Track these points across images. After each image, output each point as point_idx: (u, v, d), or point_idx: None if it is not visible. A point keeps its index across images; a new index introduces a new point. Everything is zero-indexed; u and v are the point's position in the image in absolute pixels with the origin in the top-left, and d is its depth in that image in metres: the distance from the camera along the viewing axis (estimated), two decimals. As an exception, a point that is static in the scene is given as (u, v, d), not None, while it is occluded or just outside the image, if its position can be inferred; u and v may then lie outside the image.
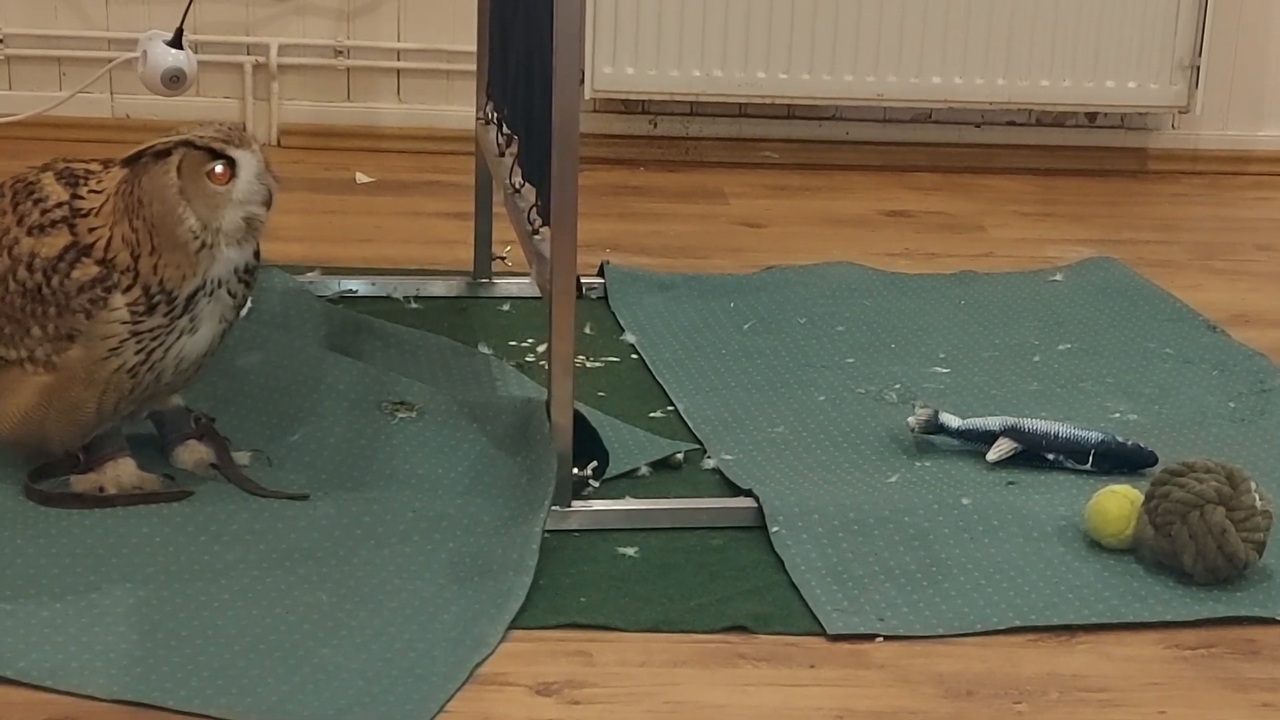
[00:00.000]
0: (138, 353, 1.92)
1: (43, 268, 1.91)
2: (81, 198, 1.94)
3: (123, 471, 2.00)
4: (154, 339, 1.92)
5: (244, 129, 1.95)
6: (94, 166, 1.98)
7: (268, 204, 1.94)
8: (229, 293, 1.96)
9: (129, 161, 1.89)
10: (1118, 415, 2.38)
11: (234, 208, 1.91)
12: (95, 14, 3.54)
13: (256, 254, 2.00)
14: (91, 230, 1.90)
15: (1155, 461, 2.18)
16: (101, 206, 1.91)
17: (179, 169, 1.88)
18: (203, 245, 1.90)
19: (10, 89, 3.55)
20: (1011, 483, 2.15)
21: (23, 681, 1.64)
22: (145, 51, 2.84)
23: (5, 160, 3.34)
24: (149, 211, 1.88)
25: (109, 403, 1.96)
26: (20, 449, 2.00)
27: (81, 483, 1.99)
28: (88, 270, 1.90)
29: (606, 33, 3.46)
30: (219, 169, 1.89)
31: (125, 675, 1.65)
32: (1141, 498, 1.97)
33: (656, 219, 3.26)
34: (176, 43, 2.84)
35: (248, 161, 1.91)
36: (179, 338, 1.94)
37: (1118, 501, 1.98)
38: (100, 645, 1.69)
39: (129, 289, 1.90)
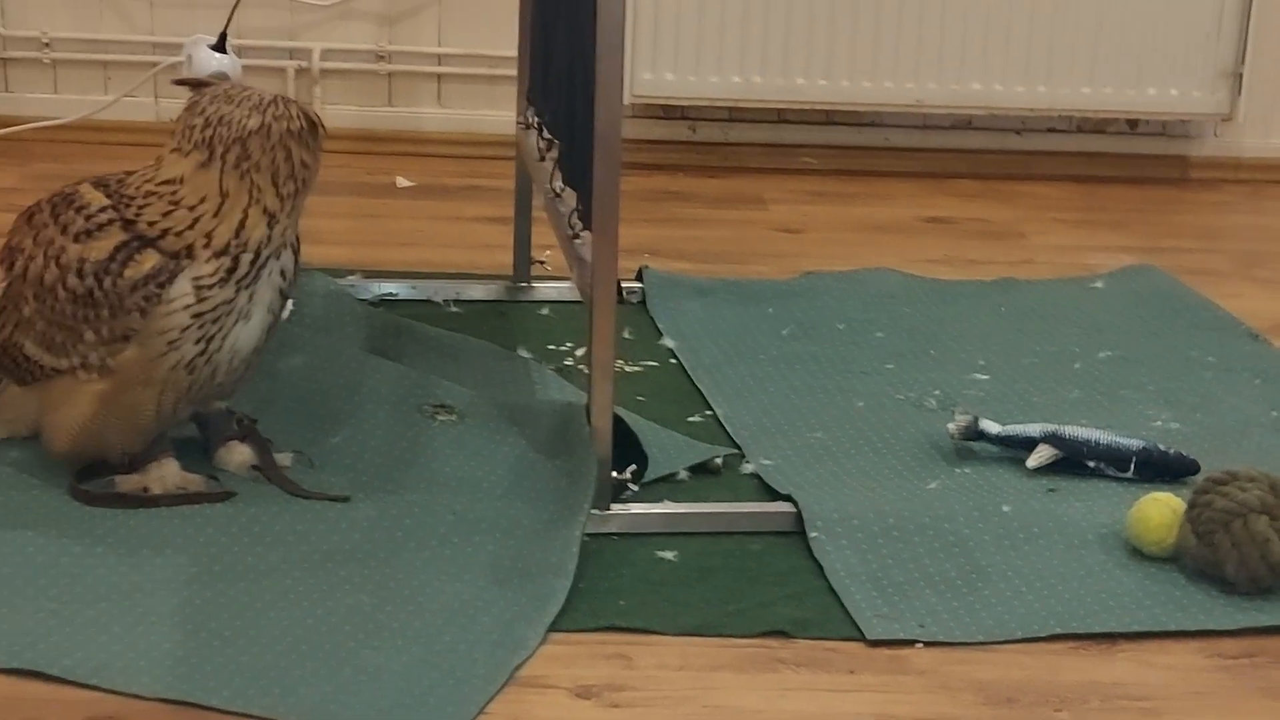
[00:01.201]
0: (197, 342, 1.94)
1: (93, 271, 1.93)
2: (127, 195, 1.96)
3: (167, 472, 2.01)
4: (214, 321, 1.94)
5: None
6: (120, 176, 2.00)
7: None
8: (282, 273, 1.99)
9: (312, 128, 1.95)
10: (1159, 423, 2.37)
11: None
12: (140, 18, 3.56)
13: (297, 255, 2.02)
14: (192, 222, 1.93)
15: (1197, 470, 2.17)
16: (211, 195, 1.93)
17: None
18: (285, 199, 1.96)
19: (56, 92, 3.59)
20: (1052, 490, 2.15)
21: (68, 680, 1.66)
22: (190, 55, 2.87)
23: (51, 163, 3.38)
24: (309, 173, 1.96)
25: (167, 402, 1.97)
26: (79, 461, 2.02)
27: (126, 483, 2.01)
28: (141, 267, 1.92)
29: (646, 38, 3.47)
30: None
31: (168, 675, 1.66)
32: (1184, 506, 1.96)
33: (696, 224, 3.27)
34: (220, 47, 2.87)
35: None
36: (235, 323, 1.96)
37: (1160, 510, 1.97)
38: (144, 645, 1.70)
39: (215, 258, 1.91)
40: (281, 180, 1.94)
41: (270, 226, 1.94)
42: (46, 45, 3.56)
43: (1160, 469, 2.18)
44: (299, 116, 1.94)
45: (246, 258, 1.94)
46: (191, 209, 1.93)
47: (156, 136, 3.48)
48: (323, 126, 1.98)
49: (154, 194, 1.95)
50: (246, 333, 1.98)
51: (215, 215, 1.92)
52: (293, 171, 1.94)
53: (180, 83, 2.04)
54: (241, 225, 1.93)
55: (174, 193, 1.94)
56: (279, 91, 2.02)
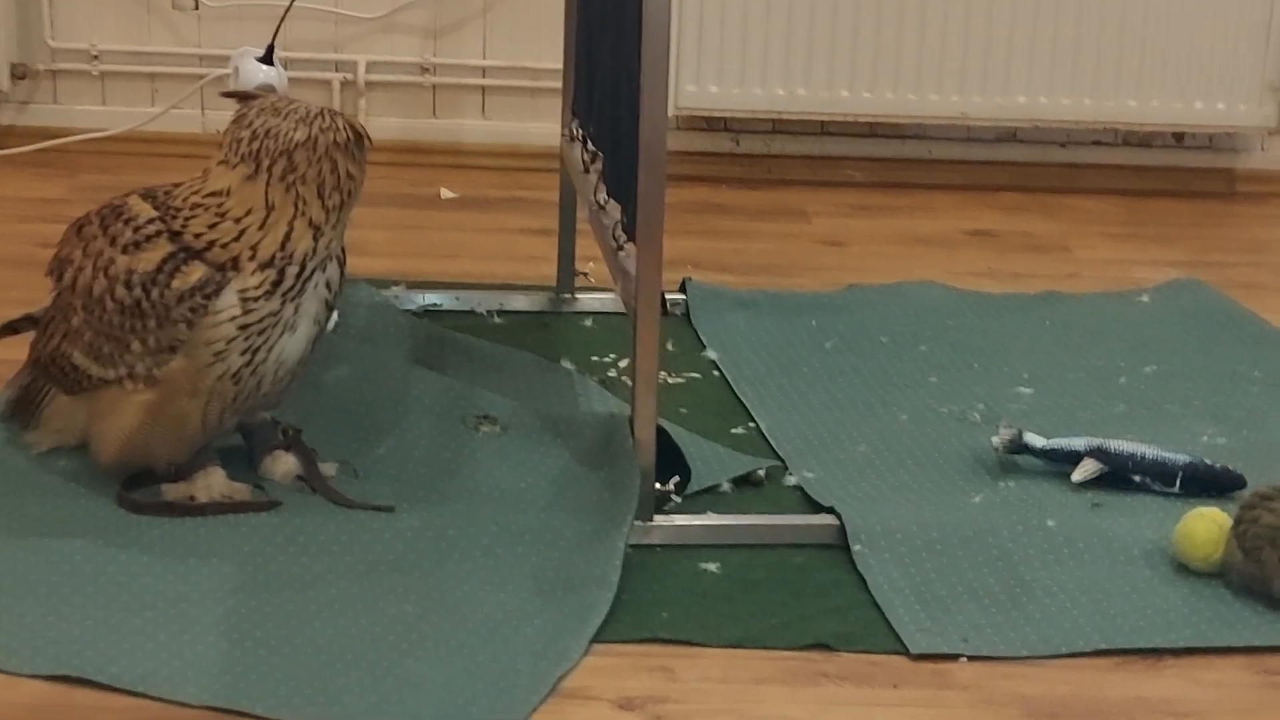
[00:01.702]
0: (243, 353, 1.95)
1: (141, 282, 1.94)
2: (174, 207, 1.97)
3: (213, 481, 2.03)
4: (260, 333, 1.95)
5: None
6: (168, 188, 2.02)
7: None
8: (327, 285, 2.00)
9: (358, 140, 1.96)
10: (1205, 438, 2.35)
11: None
12: (187, 31, 3.59)
13: (342, 267, 2.03)
14: (239, 233, 1.94)
15: (1244, 485, 2.16)
16: (257, 208, 1.95)
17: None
18: (331, 212, 1.98)
19: (104, 104, 3.61)
20: (1097, 504, 2.14)
21: (114, 687, 1.67)
22: (237, 68, 2.88)
23: (98, 174, 3.41)
24: (355, 185, 1.97)
25: (213, 412, 1.99)
26: (125, 470, 2.03)
27: (173, 492, 2.02)
28: (188, 279, 1.93)
29: (690, 51, 3.47)
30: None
31: (214, 683, 1.67)
32: (1230, 521, 1.95)
33: (739, 236, 3.27)
34: (268, 59, 2.87)
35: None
36: (281, 334, 1.97)
37: (1206, 525, 1.96)
38: (190, 653, 1.71)
39: (259, 271, 1.93)
40: (327, 193, 1.95)
41: (316, 239, 1.95)
42: (95, 58, 3.59)
43: (1206, 484, 2.17)
44: (345, 128, 1.96)
45: (292, 270, 1.95)
46: (238, 221, 1.94)
47: (203, 148, 3.51)
48: (368, 138, 1.99)
49: (200, 206, 1.96)
50: (292, 344, 1.99)
51: (260, 228, 1.94)
52: (338, 184, 1.95)
53: (228, 95, 2.05)
54: (287, 238, 1.94)
55: (220, 204, 1.95)
56: (325, 104, 2.03)
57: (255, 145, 1.94)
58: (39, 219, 3.10)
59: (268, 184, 1.94)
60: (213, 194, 1.96)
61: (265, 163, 1.94)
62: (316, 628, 1.77)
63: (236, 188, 1.95)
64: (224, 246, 1.94)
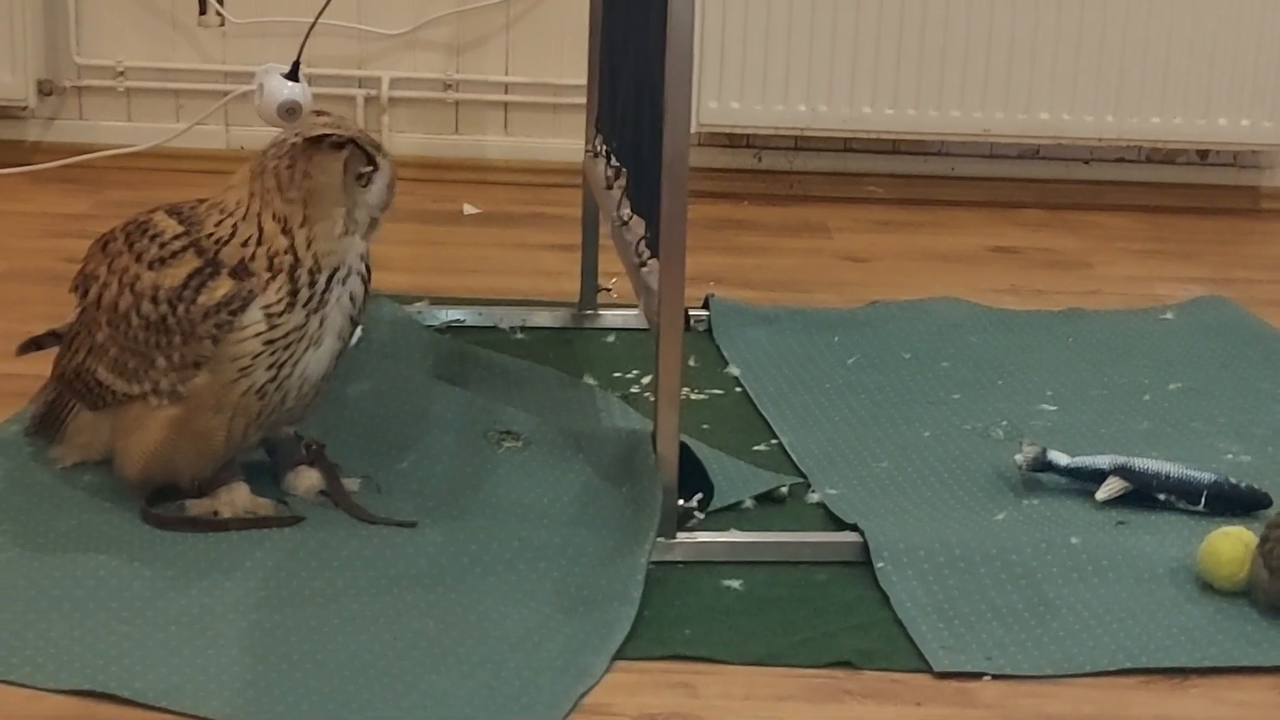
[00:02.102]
0: (268, 369, 1.96)
1: (167, 298, 1.95)
2: (199, 218, 1.98)
3: (237, 496, 2.03)
4: (285, 348, 1.96)
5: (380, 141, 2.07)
6: (193, 203, 2.03)
7: (384, 210, 2.06)
8: (350, 298, 2.01)
9: (312, 142, 1.97)
10: (1230, 456, 2.34)
11: (365, 207, 2.02)
12: (212, 48, 3.61)
13: (366, 283, 2.04)
14: (233, 228, 1.96)
15: (1269, 503, 2.15)
16: (243, 199, 1.97)
17: (345, 164, 1.98)
18: (345, 231, 1.99)
19: (129, 120, 3.63)
20: (1121, 522, 2.13)
21: (139, 702, 1.67)
22: (262, 84, 2.90)
23: (123, 190, 3.43)
24: (313, 184, 1.97)
25: (238, 428, 1.99)
26: (149, 486, 2.04)
27: (197, 507, 2.03)
28: (214, 294, 1.94)
29: (713, 67, 3.48)
30: (367, 172, 2.01)
31: (238, 698, 1.67)
32: (1255, 540, 1.94)
33: (761, 253, 3.27)
34: (293, 76, 2.89)
35: (384, 171, 2.03)
36: (306, 349, 1.98)
37: (1231, 543, 1.95)
38: (214, 668, 1.72)
39: (273, 281, 1.94)
40: (286, 186, 1.96)
41: (287, 235, 1.95)
42: (120, 74, 3.60)
43: (1231, 502, 2.16)
44: (312, 135, 1.97)
45: (304, 278, 1.95)
46: (231, 214, 1.98)
47: (228, 164, 3.52)
48: (348, 147, 1.98)
49: (216, 205, 2.00)
50: (317, 359, 2.00)
51: (244, 219, 1.97)
52: (293, 179, 1.96)
53: (317, 114, 2.08)
54: (260, 229, 1.95)
55: (223, 200, 1.99)
56: (349, 120, 2.05)
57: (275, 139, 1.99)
58: (65, 234, 3.11)
59: (250, 178, 1.98)
60: (227, 188, 2.00)
61: (257, 159, 1.99)
62: (339, 643, 1.78)
63: (238, 181, 1.99)
64: (227, 244, 1.96)
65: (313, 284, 1.97)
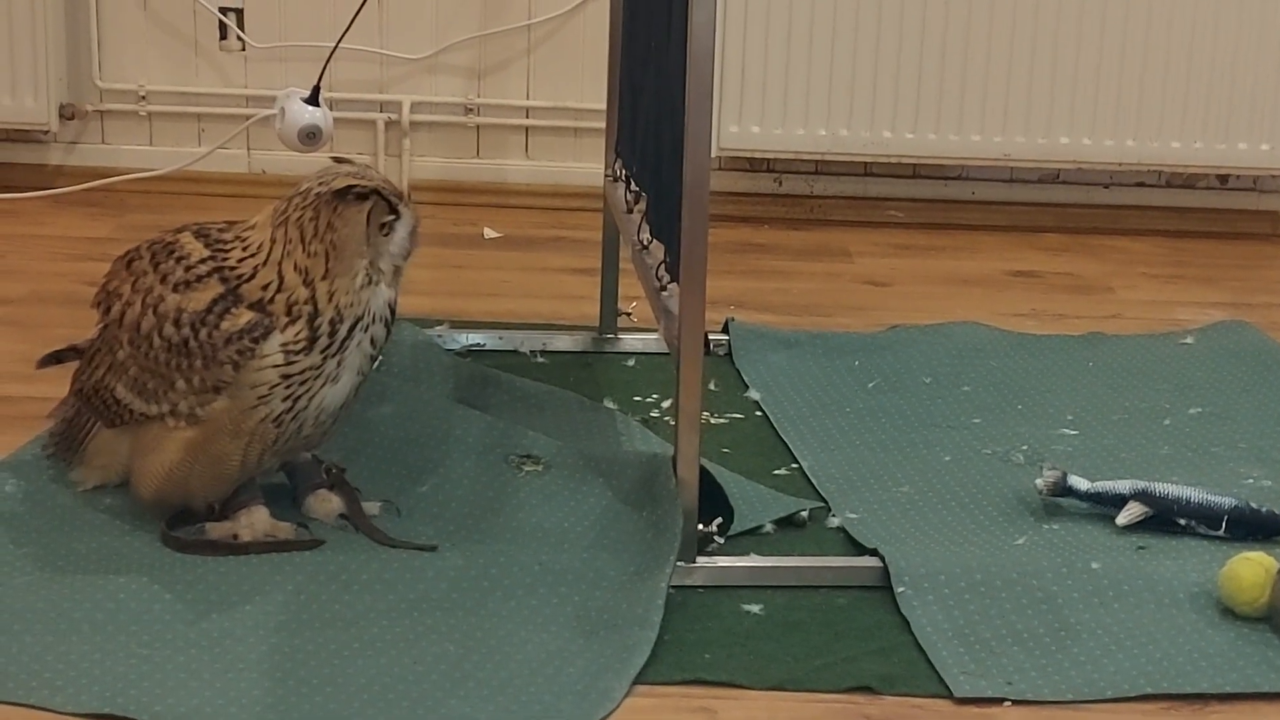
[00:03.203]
0: (285, 399, 1.97)
1: (190, 322, 1.96)
2: (225, 247, 1.99)
3: (256, 520, 2.03)
4: (302, 384, 1.97)
5: (405, 191, 2.10)
6: (222, 225, 2.04)
7: (407, 257, 2.06)
8: (371, 341, 2.01)
9: (338, 194, 1.97)
10: (1251, 481, 2.34)
11: (388, 257, 2.03)
12: (234, 72, 3.62)
13: (389, 327, 2.05)
14: (254, 270, 1.97)
15: (1291, 528, 2.14)
16: (265, 243, 1.98)
17: (368, 215, 1.99)
18: (368, 281, 2.00)
19: (151, 144, 3.65)
20: (1142, 547, 2.13)
21: (158, 724, 1.67)
22: (283, 109, 2.91)
23: (145, 214, 3.44)
24: (337, 237, 1.97)
25: (253, 454, 2.00)
26: (163, 507, 2.04)
27: (216, 530, 2.03)
28: (237, 321, 1.95)
29: (733, 92, 3.49)
30: (389, 220, 2.01)
31: (257, 721, 1.68)
32: (1276, 565, 1.93)
33: (781, 277, 3.27)
34: (314, 100, 2.90)
35: (406, 219, 2.04)
36: (323, 385, 1.98)
37: (1252, 568, 1.95)
38: (234, 691, 1.72)
39: (291, 325, 1.95)
40: (308, 238, 1.97)
41: (308, 286, 1.96)
42: (142, 98, 3.62)
43: (1253, 527, 2.15)
44: (338, 184, 1.97)
45: (324, 327, 1.96)
46: (254, 256, 1.98)
47: (249, 188, 3.55)
48: (361, 199, 1.98)
49: (239, 239, 2.00)
50: (334, 393, 2.00)
51: (265, 263, 1.97)
52: (317, 231, 1.97)
53: (336, 159, 2.08)
54: (281, 279, 1.96)
55: (246, 239, 2.00)
56: (370, 144, 2.06)
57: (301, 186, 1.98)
58: (86, 258, 3.13)
59: (273, 222, 1.98)
60: (250, 227, 2.00)
61: (280, 204, 1.98)
62: (359, 667, 1.78)
63: (262, 223, 2.00)
64: (248, 283, 1.96)
65: (333, 333, 1.97)
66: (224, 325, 1.95)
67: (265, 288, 1.96)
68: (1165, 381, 2.72)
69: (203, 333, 1.95)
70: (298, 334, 1.95)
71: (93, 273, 2.27)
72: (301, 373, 1.96)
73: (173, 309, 1.97)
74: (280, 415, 1.98)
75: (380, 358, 2.11)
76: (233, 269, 1.98)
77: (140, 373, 2.00)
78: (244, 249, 1.99)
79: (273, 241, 1.97)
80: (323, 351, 1.97)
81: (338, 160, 2.07)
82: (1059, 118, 3.52)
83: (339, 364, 1.99)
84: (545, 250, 3.37)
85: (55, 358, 2.20)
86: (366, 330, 2.00)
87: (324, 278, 1.97)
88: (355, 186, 1.98)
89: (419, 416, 2.32)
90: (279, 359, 1.95)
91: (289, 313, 1.96)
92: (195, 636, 1.82)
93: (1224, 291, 3.27)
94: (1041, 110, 3.51)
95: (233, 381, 1.95)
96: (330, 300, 1.97)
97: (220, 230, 2.03)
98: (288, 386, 1.96)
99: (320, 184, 1.98)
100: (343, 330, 1.98)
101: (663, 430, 2.40)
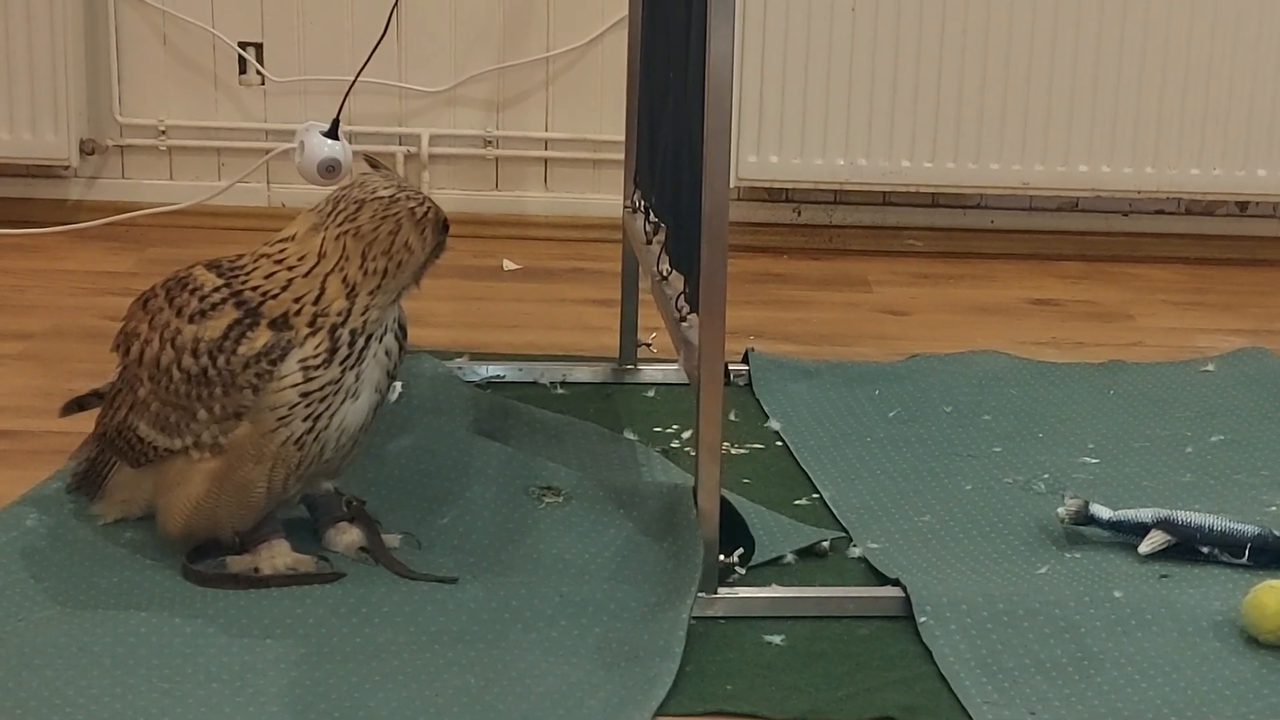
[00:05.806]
0: (305, 419, 1.97)
1: (208, 350, 1.96)
2: (241, 272, 1.99)
3: (277, 553, 2.03)
4: (322, 400, 1.97)
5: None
6: (233, 258, 2.04)
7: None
8: (386, 352, 2.02)
9: (440, 224, 2.01)
10: (1274, 508, 2.33)
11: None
12: (254, 106, 3.64)
13: (401, 338, 2.05)
14: (285, 283, 1.97)
15: (1315, 556, 2.13)
16: (310, 255, 1.98)
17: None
18: (399, 297, 2.02)
19: (171, 179, 3.67)
20: (1165, 576, 2.12)
21: (180, 758, 1.67)
22: (303, 142, 2.92)
23: (166, 248, 3.46)
24: (408, 258, 1.99)
25: (278, 478, 2.00)
26: (190, 541, 2.04)
27: (237, 563, 2.04)
28: (254, 344, 1.95)
29: (751, 122, 3.49)
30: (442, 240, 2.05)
31: (278, 754, 1.67)
32: (1301, 593, 1.92)
33: (801, 306, 3.27)
34: (333, 133, 2.91)
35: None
36: (343, 401, 1.98)
37: (1275, 596, 1.93)
38: (255, 724, 1.72)
39: (312, 337, 1.95)
40: (373, 253, 1.96)
41: (350, 300, 1.96)
42: (162, 133, 3.64)
43: (1276, 555, 2.14)
44: (428, 205, 1.99)
45: (344, 337, 1.96)
46: (291, 269, 1.97)
47: (269, 221, 3.56)
48: (446, 229, 2.02)
49: (265, 255, 2.00)
50: (354, 411, 2.01)
51: (306, 276, 1.96)
52: (389, 248, 1.97)
53: (370, 162, 2.10)
54: (322, 292, 1.96)
55: (281, 251, 1.99)
56: (408, 180, 2.07)
57: (338, 196, 1.99)
58: (107, 292, 3.14)
59: (326, 229, 1.97)
60: (281, 240, 2.00)
61: (335, 210, 1.98)
62: (380, 699, 1.77)
63: (302, 235, 1.99)
64: (274, 298, 1.96)
65: (352, 344, 1.98)
66: (241, 350, 1.95)
67: (298, 300, 1.96)
68: (1187, 409, 2.71)
69: (220, 359, 1.95)
70: (318, 346, 1.95)
71: (114, 307, 2.28)
72: (321, 389, 1.96)
73: (190, 339, 1.98)
74: (302, 436, 1.98)
75: (400, 381, 2.11)
76: (255, 288, 1.97)
77: (162, 408, 2.01)
78: (275, 262, 1.98)
79: (322, 255, 1.97)
80: (341, 363, 1.97)
81: (372, 164, 2.07)
82: (1078, 146, 3.51)
83: (358, 377, 1.99)
84: (565, 282, 3.38)
85: (78, 404, 2.21)
86: (380, 340, 2.01)
87: (371, 293, 1.97)
88: (434, 209, 2.00)
89: (439, 448, 2.32)
90: (298, 378, 1.95)
91: (312, 324, 1.96)
92: (216, 670, 1.82)
93: (1245, 318, 3.26)
94: (1060, 138, 3.51)
95: (253, 405, 1.95)
96: (363, 314, 1.97)
97: (232, 261, 2.03)
98: (308, 405, 1.96)
99: (410, 200, 1.99)
100: (361, 341, 1.98)
101: (683, 461, 2.40)
